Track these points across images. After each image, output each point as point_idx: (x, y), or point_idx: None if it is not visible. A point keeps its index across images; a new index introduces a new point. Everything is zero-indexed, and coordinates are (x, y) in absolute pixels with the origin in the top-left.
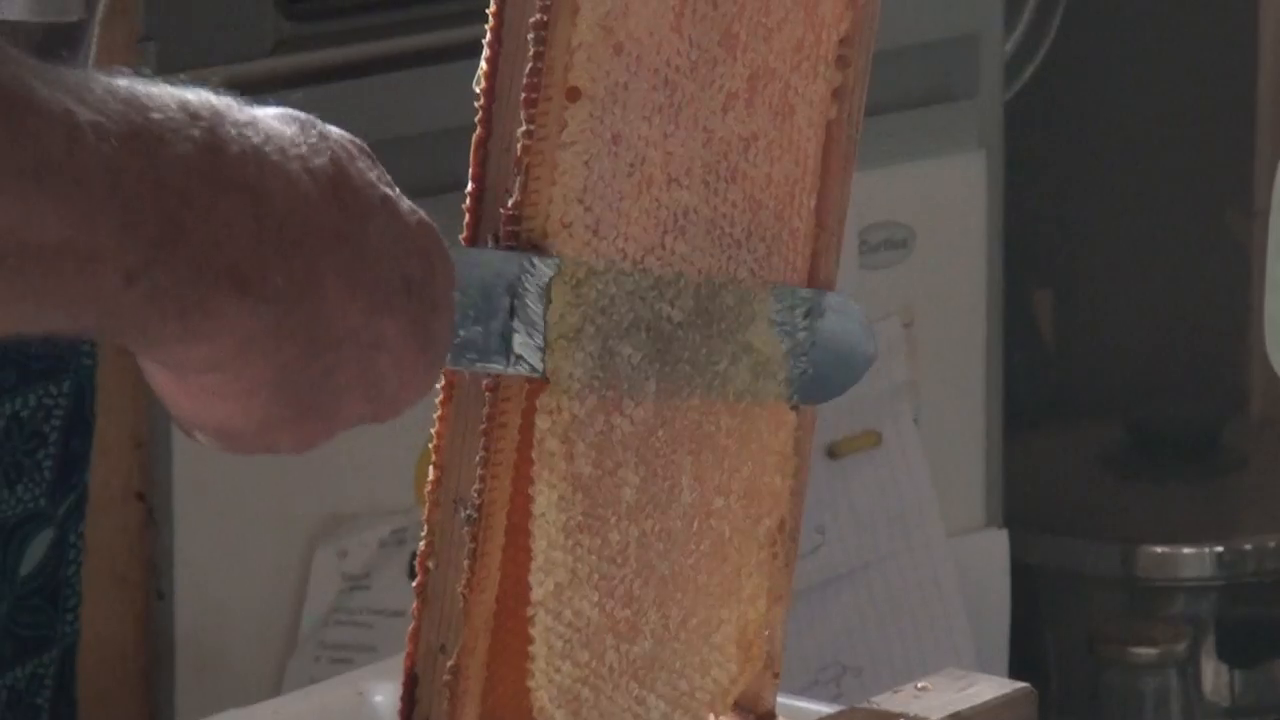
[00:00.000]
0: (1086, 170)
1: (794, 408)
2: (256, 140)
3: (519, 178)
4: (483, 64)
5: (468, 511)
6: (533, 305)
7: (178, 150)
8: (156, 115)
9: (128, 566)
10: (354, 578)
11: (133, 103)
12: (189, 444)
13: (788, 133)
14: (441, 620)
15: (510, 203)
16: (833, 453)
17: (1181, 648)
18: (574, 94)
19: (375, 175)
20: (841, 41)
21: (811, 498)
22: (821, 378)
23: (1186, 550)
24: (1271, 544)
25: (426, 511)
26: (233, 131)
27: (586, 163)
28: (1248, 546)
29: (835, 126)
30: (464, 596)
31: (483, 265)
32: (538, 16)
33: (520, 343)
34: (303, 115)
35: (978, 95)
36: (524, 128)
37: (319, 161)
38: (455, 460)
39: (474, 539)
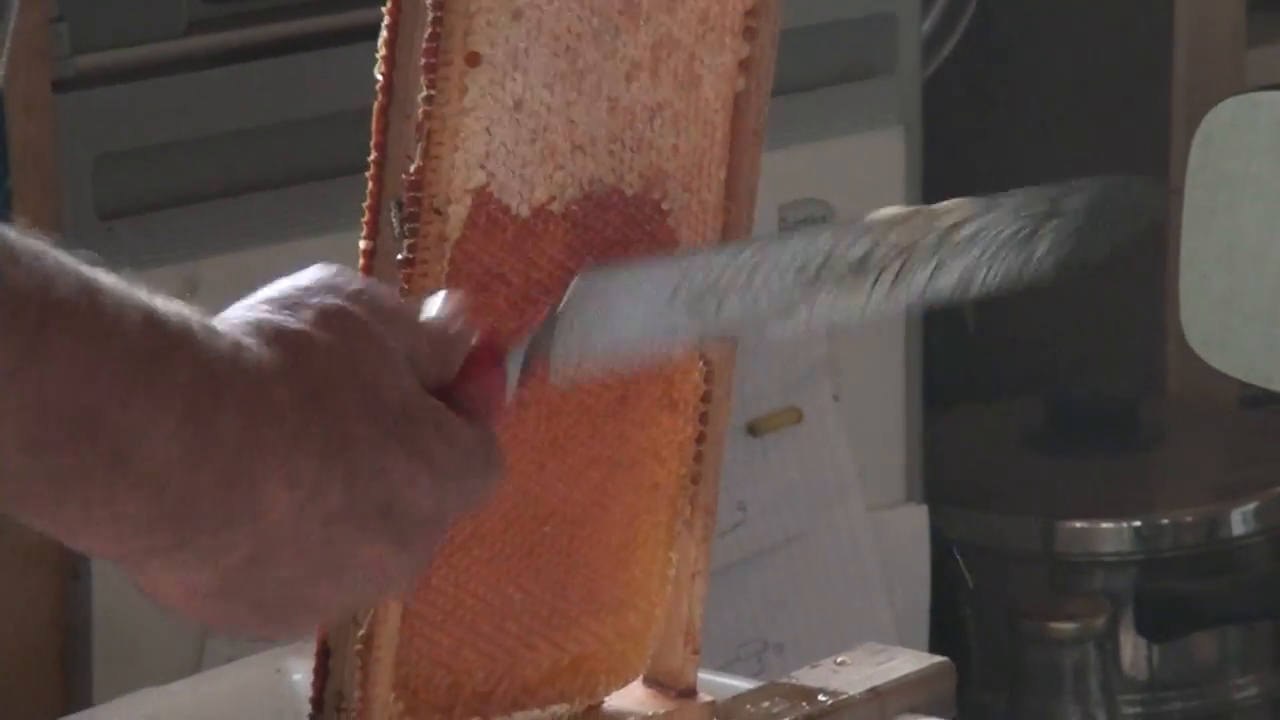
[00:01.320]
0: (1005, 147)
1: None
2: (219, 366)
3: (420, 144)
4: (383, 31)
5: None
6: None
7: (129, 369)
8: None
9: (42, 547)
10: None
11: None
12: None
13: (694, 103)
14: None
15: (412, 169)
16: (753, 430)
17: (1100, 622)
18: (474, 59)
19: (385, 372)
20: (748, 13)
21: (732, 475)
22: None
23: (1105, 525)
24: (1189, 519)
25: None
26: (197, 353)
27: (488, 129)
28: (1165, 521)
29: (743, 99)
30: None
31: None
32: None
33: None
34: (314, 296)
35: (896, 72)
36: (424, 93)
37: (291, 391)
38: None
39: None
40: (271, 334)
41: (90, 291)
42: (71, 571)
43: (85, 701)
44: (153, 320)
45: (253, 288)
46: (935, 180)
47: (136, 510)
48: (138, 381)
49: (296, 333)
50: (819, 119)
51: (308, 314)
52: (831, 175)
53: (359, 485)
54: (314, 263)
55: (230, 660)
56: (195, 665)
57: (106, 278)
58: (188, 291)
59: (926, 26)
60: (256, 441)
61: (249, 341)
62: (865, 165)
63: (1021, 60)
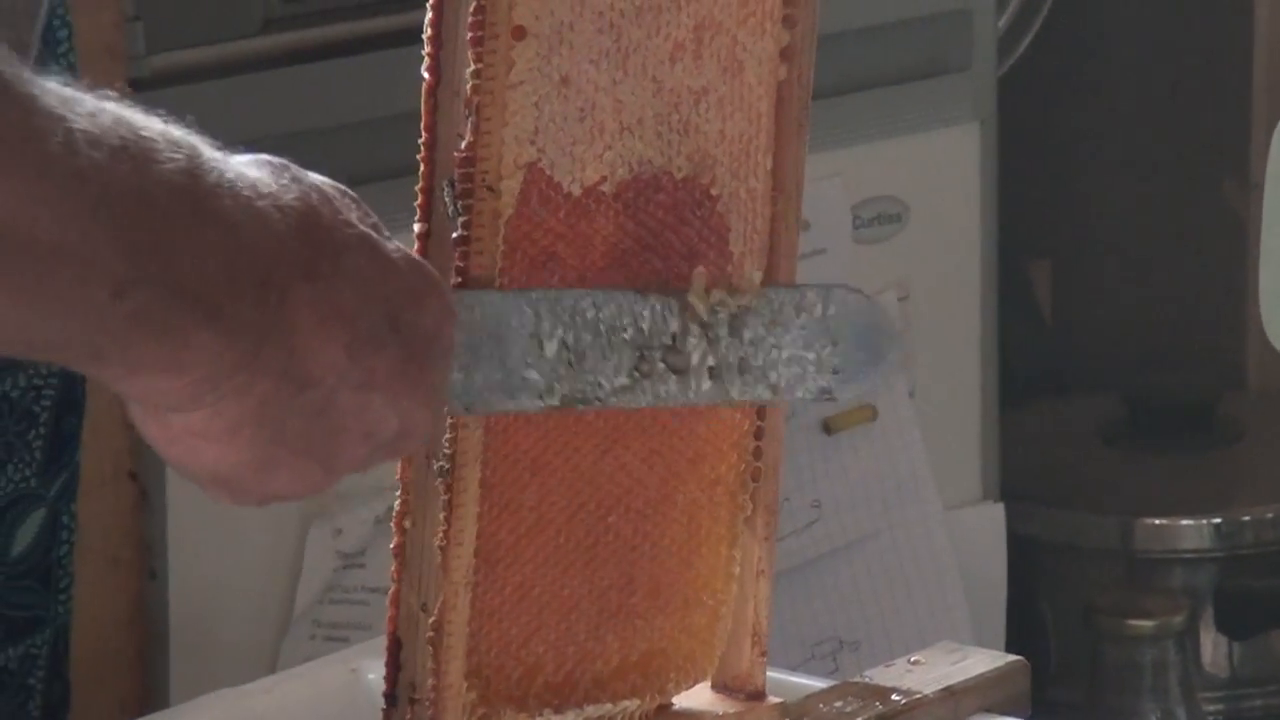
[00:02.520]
0: (1083, 143)
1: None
2: (229, 174)
3: (470, 120)
4: (428, 10)
5: (440, 464)
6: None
7: (163, 170)
8: (144, 134)
9: (120, 546)
10: (349, 555)
11: (120, 120)
12: None
13: (738, 89)
14: (421, 580)
15: (463, 145)
16: (828, 428)
17: (1179, 620)
18: (519, 33)
19: (355, 215)
20: (787, 1)
21: (807, 473)
22: (853, 367)
23: (1184, 522)
24: (1269, 515)
25: (400, 470)
26: (210, 163)
27: (536, 104)
28: (1245, 518)
29: (786, 88)
30: (441, 551)
31: (483, 305)
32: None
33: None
34: (276, 160)
35: (971, 68)
36: (472, 68)
37: (288, 199)
38: None
39: (448, 491)
40: (250, 160)
41: (128, 125)
42: (149, 572)
43: (162, 702)
44: (168, 136)
45: None
46: (1011, 177)
47: (199, 330)
48: (183, 204)
49: (271, 163)
50: (894, 116)
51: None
52: (906, 173)
53: (367, 294)
54: None
55: (308, 659)
56: (271, 666)
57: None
58: None
59: (1002, 22)
60: (272, 241)
61: (249, 164)
62: (940, 162)
63: (1098, 56)
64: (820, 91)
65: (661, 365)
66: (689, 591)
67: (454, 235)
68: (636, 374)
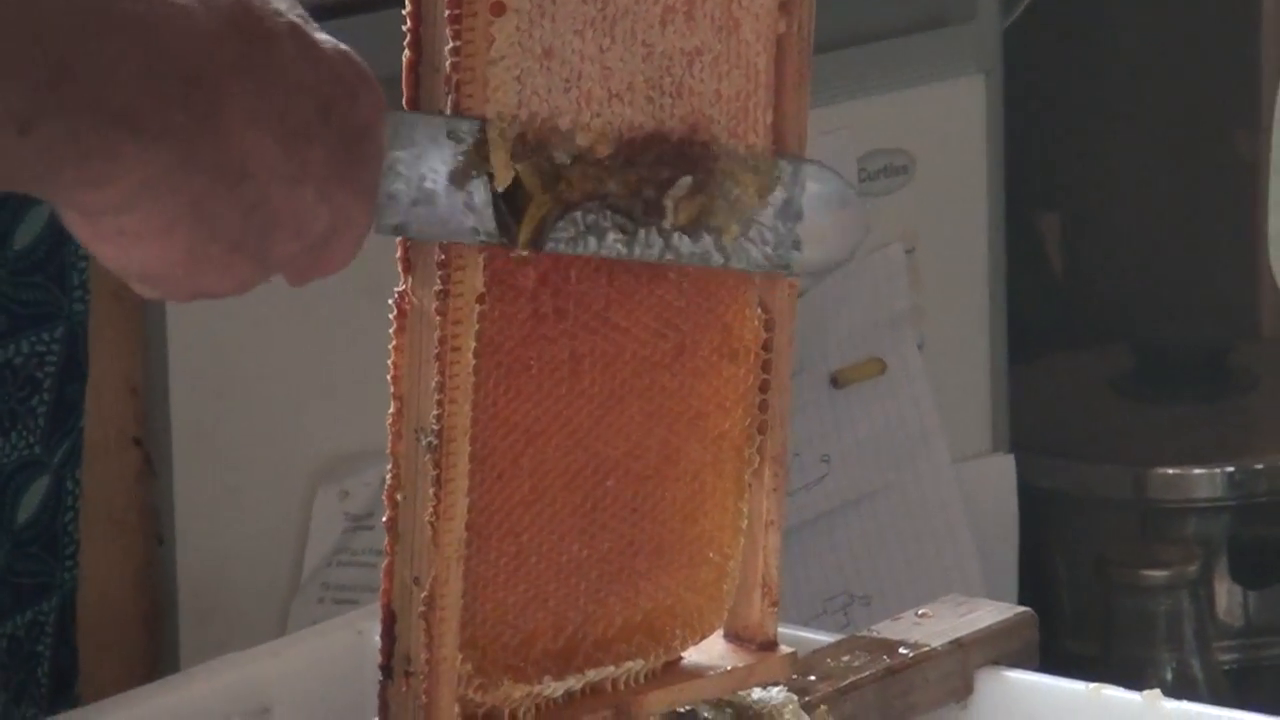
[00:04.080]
0: (1091, 94)
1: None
2: None
3: (450, 96)
4: None
5: (429, 439)
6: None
7: None
8: None
9: (126, 512)
10: (357, 518)
11: None
12: (186, 388)
13: (734, 47)
14: (414, 553)
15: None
16: (837, 381)
17: (1193, 569)
18: (498, 8)
19: (284, 4)
20: None
21: (816, 427)
22: (815, 244)
23: (1197, 471)
24: None
25: (390, 444)
26: None
27: (518, 78)
28: (1259, 466)
29: (786, 40)
30: (432, 525)
31: (423, 126)
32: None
33: (478, 211)
34: None
35: (975, 19)
36: (450, 45)
37: None
38: (413, 389)
39: (437, 466)
40: None
41: None
42: (156, 538)
43: (171, 667)
44: None
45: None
46: (1018, 129)
47: (122, 144)
48: (86, 17)
49: None
50: (898, 68)
51: None
52: (912, 125)
53: (299, 85)
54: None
55: (316, 623)
56: (280, 629)
57: None
58: None
59: None
60: (197, 37)
61: None
62: (945, 114)
63: (1104, 7)
64: (822, 45)
65: (609, 216)
66: (694, 548)
67: None
68: (580, 224)
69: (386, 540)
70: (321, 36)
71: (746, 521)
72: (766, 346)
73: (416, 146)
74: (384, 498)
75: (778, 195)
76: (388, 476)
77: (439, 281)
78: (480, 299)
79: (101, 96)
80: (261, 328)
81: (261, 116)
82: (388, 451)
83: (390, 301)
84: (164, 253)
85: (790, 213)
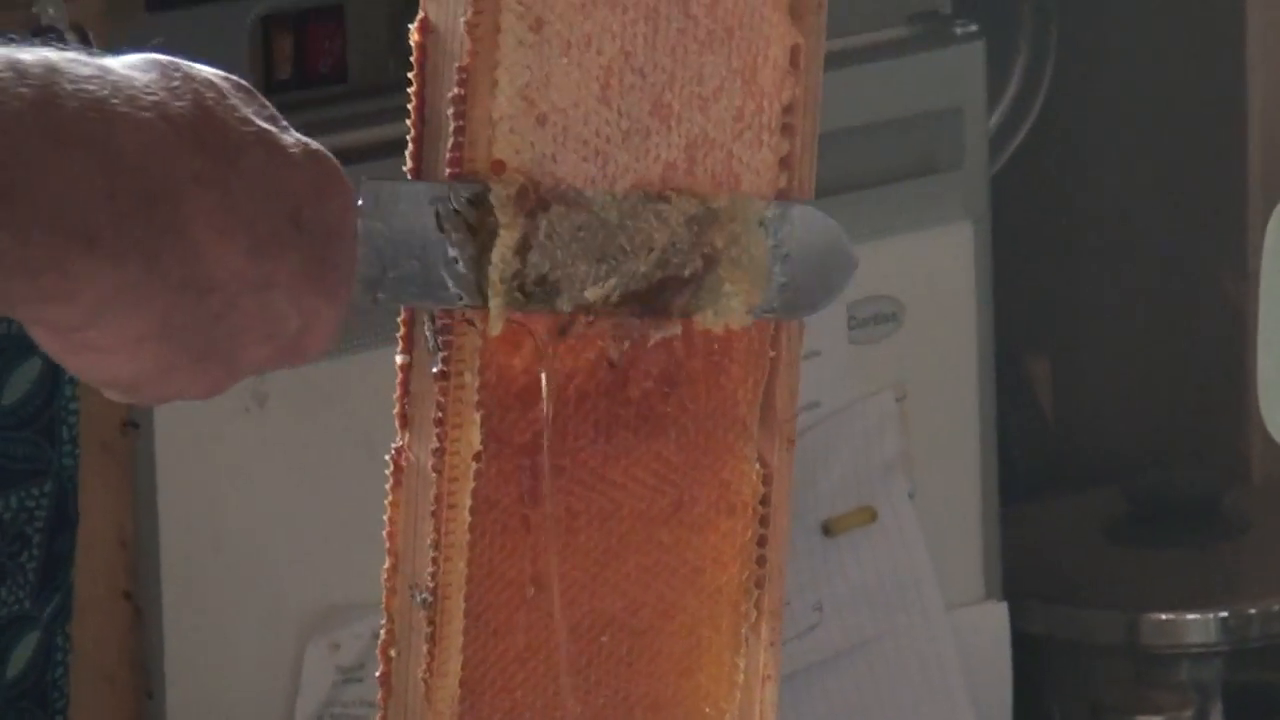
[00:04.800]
0: (1079, 239)
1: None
2: (101, 93)
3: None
4: (408, 143)
5: (423, 595)
6: (461, 234)
7: (7, 110)
8: None
9: (116, 666)
10: (347, 670)
11: None
12: (176, 542)
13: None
14: (407, 709)
15: None
16: (828, 530)
17: (1188, 715)
18: (499, 167)
19: (251, 111)
20: (786, 109)
21: (808, 576)
22: (803, 288)
23: (1190, 616)
24: (1276, 608)
25: (384, 600)
26: (69, 87)
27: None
28: (1252, 611)
29: (785, 195)
30: (425, 682)
31: (404, 199)
32: (455, 91)
33: (457, 276)
34: (165, 59)
35: (963, 167)
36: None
37: (178, 105)
38: (409, 545)
39: (431, 623)
40: (139, 62)
41: None
42: (145, 692)
43: None
44: (18, 68)
45: (322, 401)
46: (1007, 275)
47: (78, 259)
48: (36, 137)
49: (161, 62)
50: (886, 215)
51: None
52: (901, 271)
53: (267, 194)
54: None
55: None
56: None
57: None
58: (256, 405)
59: (994, 121)
60: (159, 152)
61: (116, 63)
62: (934, 261)
63: (1091, 152)
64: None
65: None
66: (690, 704)
67: (434, 370)
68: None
69: (380, 694)
70: (290, 139)
71: (743, 676)
72: (764, 501)
73: (398, 215)
74: (378, 653)
75: (766, 240)
76: (382, 631)
77: (436, 439)
78: (477, 456)
79: (56, 215)
80: (251, 481)
81: (229, 228)
82: (382, 606)
83: (386, 457)
84: (133, 365)
85: (777, 256)
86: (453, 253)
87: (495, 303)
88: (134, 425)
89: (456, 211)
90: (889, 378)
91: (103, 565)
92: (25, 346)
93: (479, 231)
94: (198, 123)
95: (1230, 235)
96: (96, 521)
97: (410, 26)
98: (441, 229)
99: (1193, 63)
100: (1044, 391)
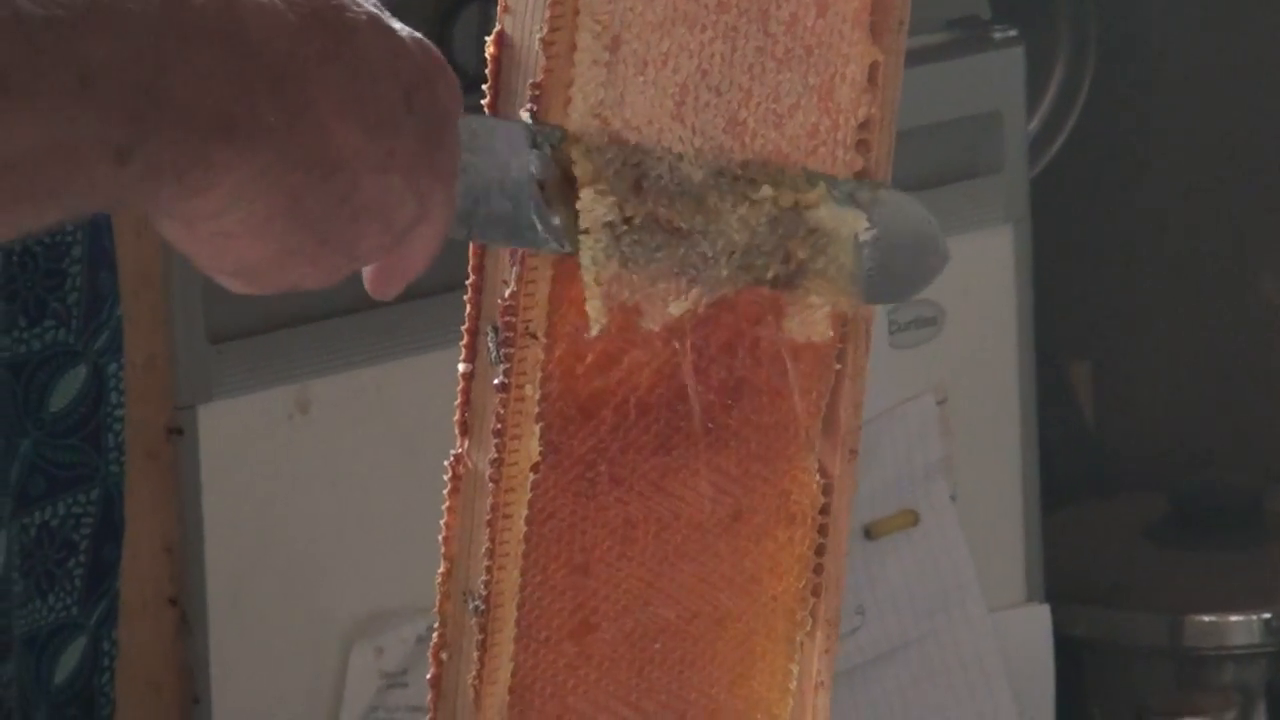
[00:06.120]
0: (1119, 242)
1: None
2: None
3: (515, 269)
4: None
5: (476, 603)
6: (552, 181)
7: (138, 16)
8: None
9: (162, 673)
10: (391, 675)
11: None
12: (221, 548)
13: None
14: (456, 713)
15: (507, 293)
16: (870, 533)
17: (1231, 716)
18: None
19: None
20: (861, 126)
21: (850, 578)
22: (892, 273)
23: (1234, 618)
24: None
25: (438, 603)
26: None
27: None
28: None
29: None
30: (474, 689)
31: (500, 136)
32: (529, 107)
33: (547, 221)
34: None
35: (1003, 170)
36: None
37: None
38: (463, 552)
39: (483, 630)
40: None
41: None
42: (192, 698)
43: None
44: None
45: (364, 406)
46: (1047, 278)
47: (219, 151)
48: (169, 37)
49: None
50: None
51: None
52: (942, 276)
53: (382, 74)
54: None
55: None
56: None
57: None
58: (299, 412)
59: (1034, 125)
60: (284, 33)
61: None
62: (975, 264)
63: (1131, 155)
64: None
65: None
66: (744, 709)
67: (495, 381)
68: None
69: (429, 696)
70: (398, 25)
71: (796, 683)
72: (824, 511)
73: (493, 151)
74: (430, 655)
75: (854, 221)
76: (434, 634)
77: (494, 450)
78: (535, 467)
79: (197, 110)
80: (294, 487)
81: (350, 107)
82: (434, 610)
83: (445, 463)
84: (258, 249)
85: (866, 243)
86: (544, 196)
87: (586, 248)
88: (179, 432)
89: (552, 152)
90: (930, 382)
91: (149, 572)
92: (71, 354)
93: (572, 182)
94: (317, 4)
95: (1270, 238)
96: (142, 528)
97: (486, 39)
98: (535, 171)
99: (1233, 65)
100: (1085, 394)
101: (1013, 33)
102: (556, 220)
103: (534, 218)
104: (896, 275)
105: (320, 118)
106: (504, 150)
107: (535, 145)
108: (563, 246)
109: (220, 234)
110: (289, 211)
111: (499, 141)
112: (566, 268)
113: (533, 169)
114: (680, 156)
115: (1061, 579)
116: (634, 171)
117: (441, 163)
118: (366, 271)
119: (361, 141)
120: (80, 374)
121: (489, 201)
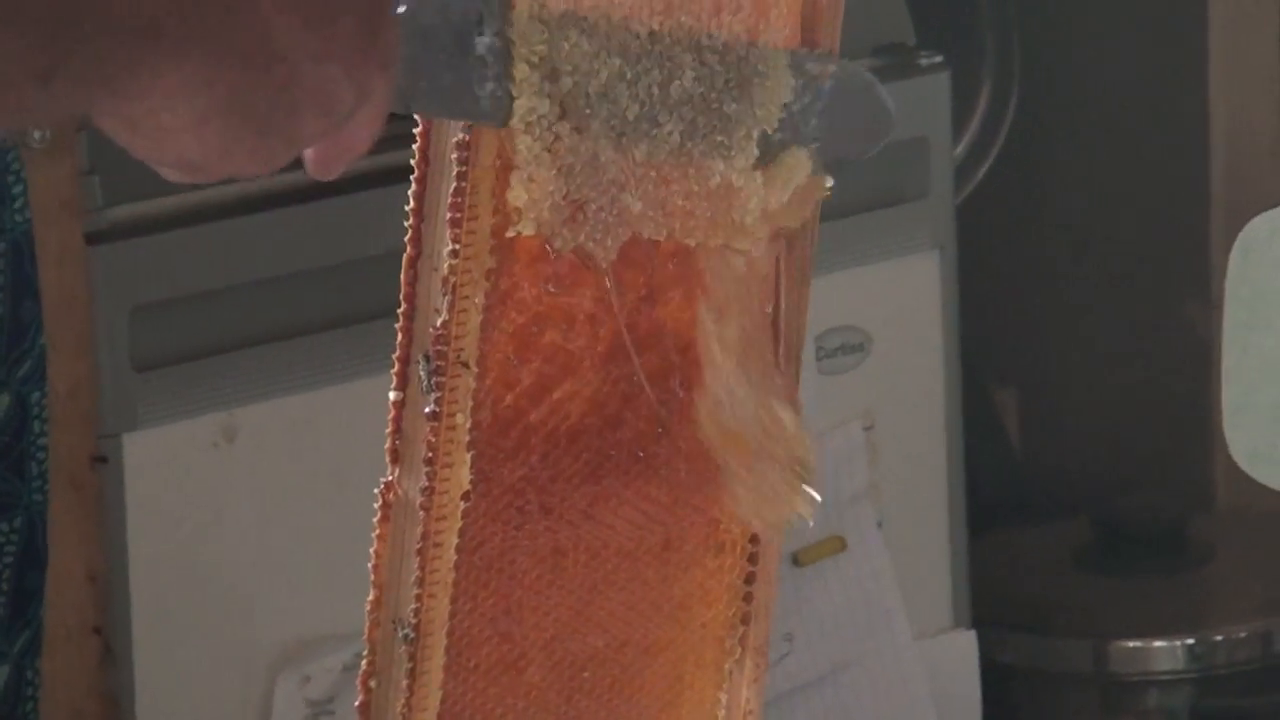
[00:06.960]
0: (1044, 268)
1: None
2: None
3: (447, 297)
4: (412, 183)
5: (405, 631)
6: (494, 46)
7: None
8: None
9: (86, 702)
10: (318, 704)
11: None
12: (146, 576)
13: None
14: None
15: (439, 322)
16: (798, 560)
17: None
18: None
19: None
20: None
21: (778, 606)
22: (843, 133)
23: (1158, 644)
24: (1242, 634)
25: (367, 631)
26: None
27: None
28: (1218, 638)
29: (796, 239)
30: (403, 717)
31: (442, 7)
32: (460, 136)
33: (487, 90)
34: None
35: (929, 196)
36: (449, 247)
37: None
38: (393, 580)
39: (412, 659)
40: None
41: None
42: None
43: None
44: None
45: (292, 435)
46: (973, 304)
47: (147, 55)
48: None
49: None
50: (853, 246)
51: None
52: (868, 302)
53: None
54: (351, 410)
55: None
56: None
57: None
58: (225, 440)
59: (959, 151)
60: None
61: None
62: (901, 291)
63: (1055, 181)
64: None
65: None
66: None
67: (426, 410)
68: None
69: None
70: None
71: (724, 711)
72: (754, 539)
73: (435, 30)
74: (358, 683)
75: (796, 86)
76: (363, 662)
77: (425, 478)
78: (465, 496)
79: (119, 23)
80: (220, 515)
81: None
82: (364, 637)
83: (375, 490)
84: (199, 142)
85: (811, 106)
86: (488, 62)
87: (519, 102)
88: (103, 460)
89: (495, 28)
90: (857, 408)
91: (73, 600)
92: None
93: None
94: None
95: (1194, 263)
96: (66, 557)
97: None
98: (480, 48)
99: (1156, 93)
100: (1011, 420)
101: (938, 59)
102: (498, 90)
103: (475, 90)
104: (846, 133)
105: (260, 9)
106: (447, 25)
107: (480, 21)
108: (501, 118)
109: (160, 129)
110: (228, 106)
111: (443, 15)
112: (500, 285)
113: (478, 45)
114: (625, 21)
115: (988, 605)
116: (576, 31)
117: (380, 48)
118: (308, 153)
119: (302, 31)
120: (3, 402)
121: (431, 75)
